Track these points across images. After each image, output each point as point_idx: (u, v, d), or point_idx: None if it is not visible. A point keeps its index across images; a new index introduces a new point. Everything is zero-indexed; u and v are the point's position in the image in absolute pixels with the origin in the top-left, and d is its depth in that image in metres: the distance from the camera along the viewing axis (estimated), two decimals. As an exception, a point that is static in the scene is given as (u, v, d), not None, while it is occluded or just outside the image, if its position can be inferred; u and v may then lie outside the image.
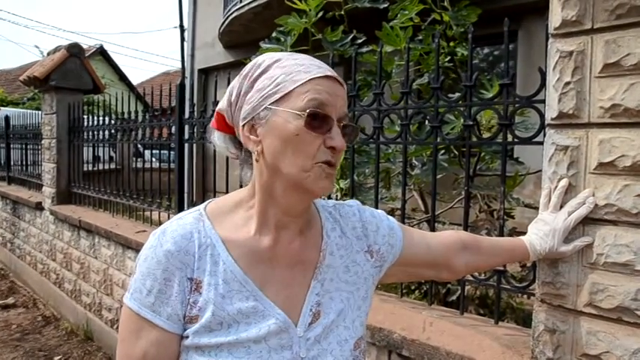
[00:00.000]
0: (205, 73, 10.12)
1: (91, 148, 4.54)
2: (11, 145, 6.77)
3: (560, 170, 1.11)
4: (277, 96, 0.74)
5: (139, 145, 4.34)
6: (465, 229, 1.63)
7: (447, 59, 2.29)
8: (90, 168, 4.57)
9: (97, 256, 3.76)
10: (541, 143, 1.23)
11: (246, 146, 0.79)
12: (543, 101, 1.30)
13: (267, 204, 0.79)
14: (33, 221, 5.22)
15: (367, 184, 2.38)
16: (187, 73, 10.57)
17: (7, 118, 6.88)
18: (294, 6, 2.46)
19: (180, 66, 11.89)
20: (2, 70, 20.30)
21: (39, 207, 4.95)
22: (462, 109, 1.64)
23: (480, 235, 1.16)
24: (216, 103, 2.81)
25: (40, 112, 5.18)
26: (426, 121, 1.84)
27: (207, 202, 0.85)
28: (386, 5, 2.40)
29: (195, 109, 2.97)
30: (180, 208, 3.12)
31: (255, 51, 2.57)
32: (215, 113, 0.84)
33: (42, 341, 3.96)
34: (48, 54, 4.92)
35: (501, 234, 1.55)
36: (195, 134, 2.98)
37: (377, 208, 1.89)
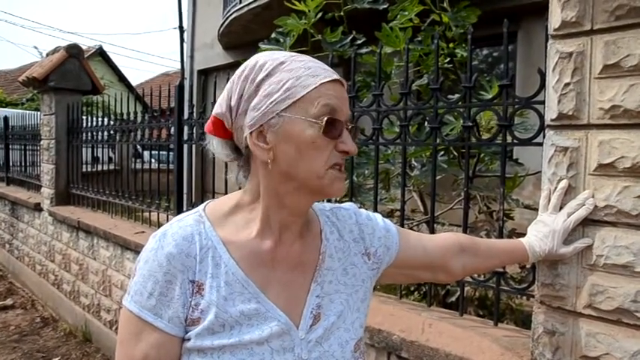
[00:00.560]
0: (205, 73, 10.13)
1: (89, 149, 4.54)
2: (10, 146, 6.76)
3: (559, 171, 1.11)
4: (288, 102, 0.73)
5: (138, 146, 4.33)
6: (465, 231, 1.62)
7: (446, 60, 2.29)
8: (89, 169, 4.57)
9: (96, 257, 3.75)
10: (540, 144, 1.23)
11: (253, 152, 0.77)
12: (543, 102, 1.30)
13: (273, 208, 0.79)
14: (31, 222, 5.21)
15: (366, 185, 2.38)
16: (187, 74, 10.58)
17: (5, 119, 6.88)
18: (293, 7, 2.46)
19: (179, 67, 11.91)
20: (1, 70, 20.29)
21: (37, 208, 4.94)
22: (461, 110, 1.64)
23: (478, 237, 1.16)
24: (215, 103, 2.82)
25: (38, 112, 5.17)
26: (426, 122, 1.83)
27: (206, 203, 0.85)
28: (385, 6, 2.40)
29: (195, 109, 2.96)
30: (179, 209, 3.12)
31: (254, 52, 2.55)
32: (211, 118, 0.82)
33: (40, 342, 3.95)
34: (47, 55, 4.92)
35: (501, 235, 1.55)
36: (194, 135, 2.98)
37: (376, 209, 1.89)
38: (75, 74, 4.60)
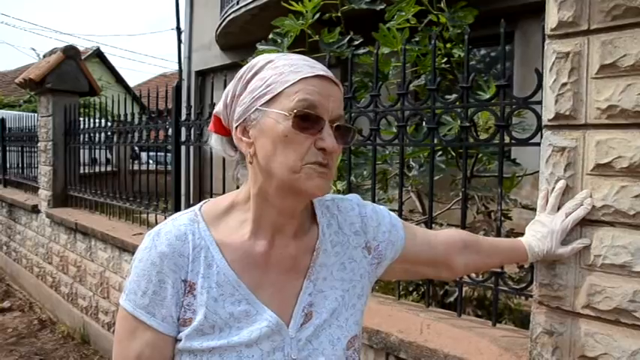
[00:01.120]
0: (202, 74, 10.11)
1: (87, 151, 4.53)
2: (7, 148, 6.75)
3: (557, 172, 1.11)
4: (268, 97, 0.73)
5: (136, 148, 4.32)
6: (463, 231, 1.62)
7: (443, 61, 2.29)
8: (86, 170, 4.56)
9: (94, 259, 3.74)
10: (538, 144, 1.23)
11: (239, 148, 0.79)
12: (540, 102, 1.30)
13: (262, 207, 0.78)
14: (29, 224, 5.19)
15: (364, 186, 2.38)
16: (184, 75, 10.56)
17: (2, 121, 6.87)
18: (290, 8, 2.46)
19: (177, 68, 11.89)
20: (-2, 72, 20.21)
21: (35, 210, 4.92)
22: (458, 110, 1.64)
23: (479, 235, 1.15)
24: (212, 105, 2.82)
25: (36, 114, 5.16)
26: (423, 123, 1.83)
27: (203, 202, 0.85)
28: (383, 7, 2.40)
29: (192, 111, 2.96)
30: (177, 211, 3.11)
31: (252, 53, 2.56)
32: (212, 116, 0.84)
33: (38, 345, 3.94)
34: (44, 56, 4.91)
35: (498, 235, 1.55)
36: (191, 136, 2.97)
37: (374, 209, 1.89)
38: (72, 76, 4.59)
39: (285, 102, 0.72)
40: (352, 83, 1.96)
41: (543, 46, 1.15)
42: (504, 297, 2.17)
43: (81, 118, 4.44)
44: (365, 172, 2.31)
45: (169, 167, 3.36)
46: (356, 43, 2.43)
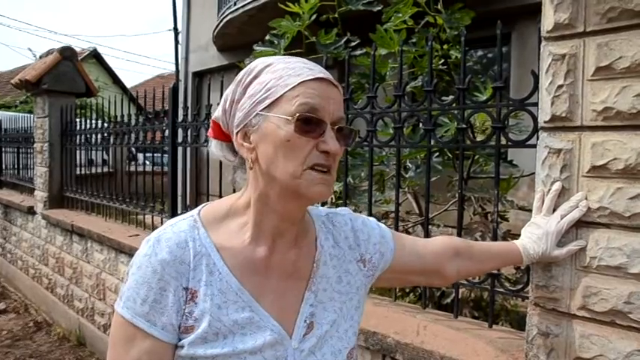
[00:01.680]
0: (199, 76, 10.10)
1: (83, 152, 4.51)
2: (3, 149, 6.72)
3: (553, 173, 1.11)
4: (268, 101, 0.73)
5: (133, 149, 4.31)
6: (459, 232, 1.63)
7: (440, 62, 2.29)
8: (83, 171, 4.54)
9: (90, 260, 3.73)
10: (534, 146, 1.23)
11: (240, 153, 0.78)
12: (536, 104, 1.30)
13: (263, 213, 0.78)
14: (25, 226, 5.17)
15: (361, 187, 2.37)
16: (181, 76, 10.54)
17: (-2, 122, 6.83)
18: (287, 9, 2.46)
19: (174, 69, 11.87)
20: (-6, 72, 20.15)
21: (31, 211, 4.90)
22: (455, 112, 1.64)
23: (472, 240, 1.16)
24: (209, 106, 2.82)
25: (32, 115, 5.14)
26: (420, 124, 1.84)
27: (201, 206, 0.84)
28: (380, 8, 2.41)
29: (189, 112, 2.95)
30: (174, 212, 3.10)
31: (249, 54, 2.56)
32: (211, 122, 0.84)
33: (33, 347, 3.92)
34: (40, 57, 4.89)
35: (495, 236, 1.55)
36: (188, 138, 2.97)
37: (371, 211, 1.89)
38: (69, 76, 4.57)
39: (286, 106, 0.72)
40: (349, 84, 1.96)
41: (539, 48, 1.16)
42: (501, 298, 2.17)
43: (77, 119, 4.43)
44: (362, 174, 2.31)
45: (166, 168, 3.35)
46: (353, 44, 2.43)
